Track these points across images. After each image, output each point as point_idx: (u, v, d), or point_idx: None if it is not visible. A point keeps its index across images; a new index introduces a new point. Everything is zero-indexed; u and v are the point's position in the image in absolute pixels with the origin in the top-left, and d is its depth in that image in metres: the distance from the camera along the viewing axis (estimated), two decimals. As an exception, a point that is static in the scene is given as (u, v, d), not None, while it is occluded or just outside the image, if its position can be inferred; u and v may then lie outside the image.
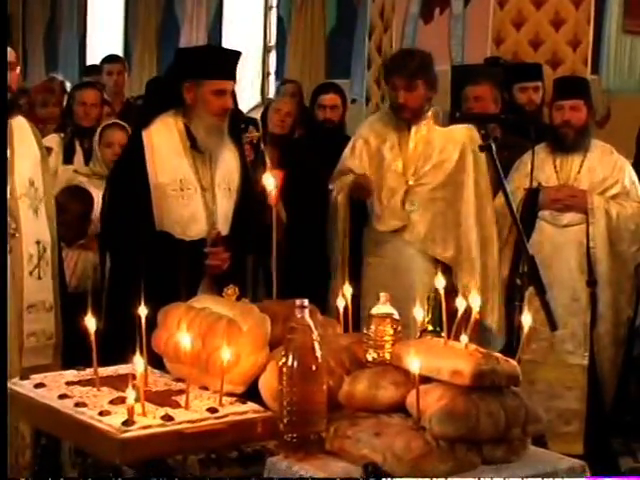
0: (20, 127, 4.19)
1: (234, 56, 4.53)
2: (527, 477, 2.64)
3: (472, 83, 5.87)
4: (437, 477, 2.55)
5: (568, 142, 5.23)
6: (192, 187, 4.36)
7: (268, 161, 5.61)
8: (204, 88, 4.34)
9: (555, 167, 5.27)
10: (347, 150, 5.14)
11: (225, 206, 4.44)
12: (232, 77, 4.46)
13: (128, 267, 4.31)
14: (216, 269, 4.29)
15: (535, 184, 4.97)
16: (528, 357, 4.69)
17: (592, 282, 5.11)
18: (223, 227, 4.43)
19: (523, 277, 3.30)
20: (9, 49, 4.02)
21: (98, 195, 5.03)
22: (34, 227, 4.12)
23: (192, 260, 4.25)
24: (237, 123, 5.20)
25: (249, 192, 4.53)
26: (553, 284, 4.77)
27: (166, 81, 4.62)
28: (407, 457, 2.56)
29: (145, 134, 4.40)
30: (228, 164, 4.49)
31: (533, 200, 5.16)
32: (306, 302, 2.71)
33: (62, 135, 5.79)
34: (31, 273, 4.09)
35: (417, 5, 8.88)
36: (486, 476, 2.60)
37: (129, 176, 4.38)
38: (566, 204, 5.15)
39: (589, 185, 5.24)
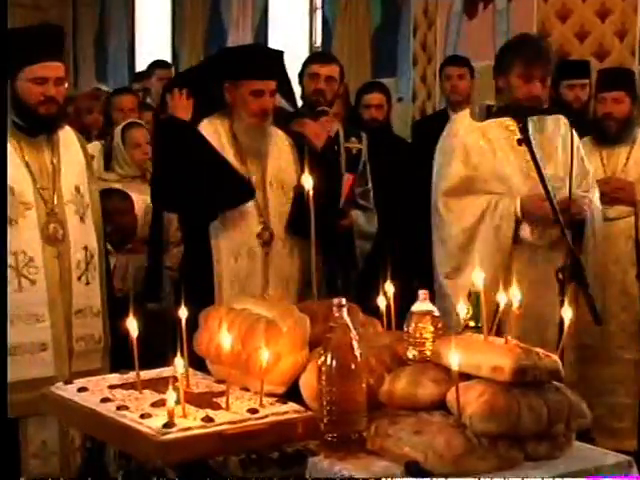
0: (66, 135, 4.23)
1: (273, 55, 4.49)
2: (572, 473, 2.60)
3: None
4: (479, 474, 2.53)
5: (611, 134, 5.16)
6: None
7: (369, 173, 5.58)
8: (242, 88, 4.32)
9: (602, 160, 5.19)
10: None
11: (278, 205, 4.39)
12: (271, 77, 4.38)
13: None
14: None
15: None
16: (578, 354, 4.61)
17: None
18: (277, 226, 4.39)
19: (565, 271, 3.24)
20: (59, 64, 4.06)
21: (137, 200, 5.06)
22: (81, 233, 4.15)
23: None
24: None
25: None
26: (602, 278, 4.72)
27: (209, 81, 4.51)
28: (448, 455, 2.54)
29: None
30: (280, 162, 4.44)
31: None
32: (344, 301, 2.70)
33: (103, 142, 5.83)
34: (79, 279, 4.12)
35: (461, 1, 8.82)
36: (530, 473, 2.57)
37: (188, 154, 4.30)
38: (613, 197, 5.05)
39: (637, 177, 5.15)
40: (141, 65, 12.51)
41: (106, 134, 6.01)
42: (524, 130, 3.35)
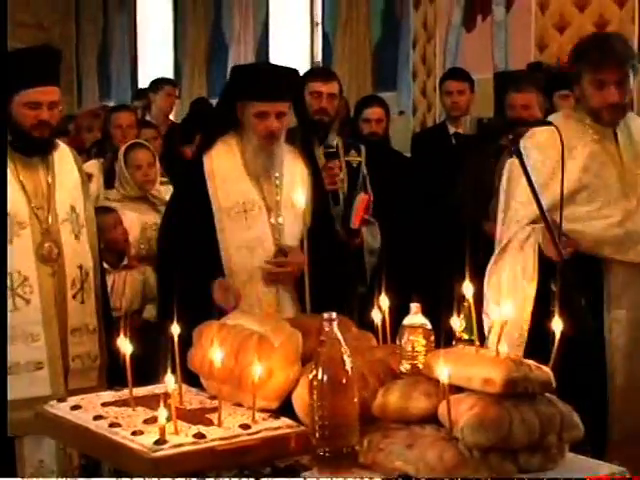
0: (61, 154, 4.24)
1: (283, 75, 4.32)
2: (565, 485, 2.60)
3: (515, 90, 5.78)
4: (471, 487, 2.53)
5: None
6: (256, 208, 4.24)
7: (369, 186, 5.58)
8: (248, 109, 4.21)
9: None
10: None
11: (292, 226, 4.27)
12: (277, 98, 4.21)
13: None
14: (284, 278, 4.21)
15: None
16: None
17: None
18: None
19: (556, 283, 3.22)
20: (54, 88, 4.09)
21: (133, 218, 5.07)
22: (76, 252, 4.15)
23: None
24: (308, 140, 5.15)
25: (321, 211, 4.38)
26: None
27: (223, 100, 4.49)
28: (440, 468, 2.54)
29: (206, 158, 4.29)
30: (294, 183, 4.27)
31: None
32: (334, 315, 2.70)
33: (102, 160, 5.83)
34: (74, 297, 4.12)
35: (459, 14, 8.84)
36: (522, 485, 2.57)
37: (190, 203, 4.26)
38: None
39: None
40: (144, 82, 12.55)
41: (105, 152, 6.02)
42: (514, 142, 3.33)
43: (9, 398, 3.84)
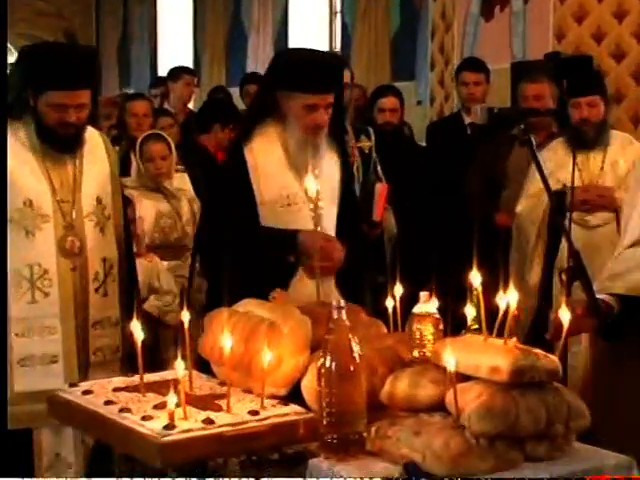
0: (93, 144, 4.13)
1: (333, 65, 4.16)
2: (571, 473, 2.60)
3: (528, 80, 5.77)
4: (478, 475, 2.53)
5: (588, 139, 5.12)
6: (299, 201, 4.13)
7: (380, 170, 5.57)
8: (296, 101, 4.00)
9: (577, 165, 5.06)
10: None
11: (329, 217, 4.20)
12: (328, 90, 4.02)
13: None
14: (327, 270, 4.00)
15: (559, 185, 4.83)
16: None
17: None
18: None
19: (569, 272, 3.21)
20: (84, 91, 3.92)
21: (148, 206, 5.09)
22: (100, 245, 4.08)
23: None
24: (341, 131, 5.06)
25: (350, 202, 4.33)
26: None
27: (264, 88, 4.29)
28: (446, 455, 2.54)
29: (247, 151, 4.11)
30: (329, 174, 4.22)
31: (560, 203, 5.02)
32: (342, 302, 2.71)
33: (117, 148, 5.84)
34: (97, 290, 4.07)
35: (477, 4, 8.82)
36: (529, 474, 2.57)
37: (233, 195, 4.12)
38: (595, 204, 5.00)
39: (614, 181, 5.10)
40: (163, 72, 12.59)
41: (121, 139, 6.04)
42: (526, 131, 3.33)
43: (23, 390, 3.85)
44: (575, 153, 5.03)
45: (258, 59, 12.74)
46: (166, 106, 8.17)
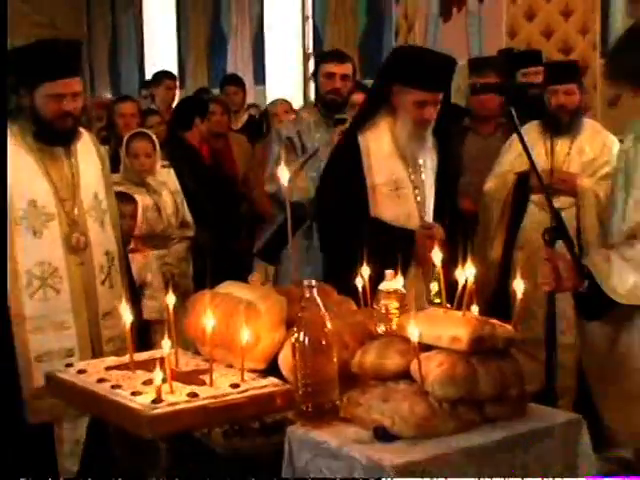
0: (83, 142, 4.07)
1: (446, 64, 4.11)
2: (527, 432, 2.62)
3: (476, 74, 5.81)
4: (442, 436, 2.54)
5: (563, 125, 5.09)
6: (407, 187, 4.18)
7: None
8: (408, 96, 4.04)
9: (545, 149, 5.10)
10: None
11: (430, 203, 4.26)
12: (439, 89, 4.05)
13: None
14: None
15: (527, 166, 4.81)
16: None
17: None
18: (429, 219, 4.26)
19: (552, 232, 3.14)
20: (77, 79, 3.89)
21: (136, 199, 5.04)
22: (102, 239, 4.02)
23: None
24: (444, 127, 4.99)
25: (444, 187, 4.34)
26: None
27: (380, 81, 4.27)
28: (412, 419, 2.55)
29: (361, 137, 4.17)
30: (431, 166, 4.27)
31: (523, 185, 5.00)
32: (313, 282, 2.70)
33: (107, 147, 5.79)
34: (103, 283, 4.00)
35: (436, 5, 8.80)
36: (487, 433, 2.58)
37: (346, 178, 4.17)
38: (556, 188, 4.89)
39: (580, 166, 5.07)
40: (150, 75, 12.54)
41: (110, 139, 6.01)
42: (507, 104, 3.27)
43: (43, 385, 3.59)
44: (553, 137, 5.09)
45: (237, 61, 12.73)
46: (153, 106, 8.14)
